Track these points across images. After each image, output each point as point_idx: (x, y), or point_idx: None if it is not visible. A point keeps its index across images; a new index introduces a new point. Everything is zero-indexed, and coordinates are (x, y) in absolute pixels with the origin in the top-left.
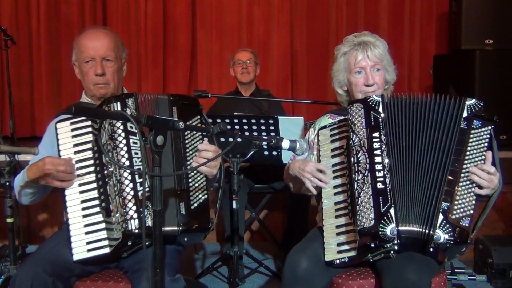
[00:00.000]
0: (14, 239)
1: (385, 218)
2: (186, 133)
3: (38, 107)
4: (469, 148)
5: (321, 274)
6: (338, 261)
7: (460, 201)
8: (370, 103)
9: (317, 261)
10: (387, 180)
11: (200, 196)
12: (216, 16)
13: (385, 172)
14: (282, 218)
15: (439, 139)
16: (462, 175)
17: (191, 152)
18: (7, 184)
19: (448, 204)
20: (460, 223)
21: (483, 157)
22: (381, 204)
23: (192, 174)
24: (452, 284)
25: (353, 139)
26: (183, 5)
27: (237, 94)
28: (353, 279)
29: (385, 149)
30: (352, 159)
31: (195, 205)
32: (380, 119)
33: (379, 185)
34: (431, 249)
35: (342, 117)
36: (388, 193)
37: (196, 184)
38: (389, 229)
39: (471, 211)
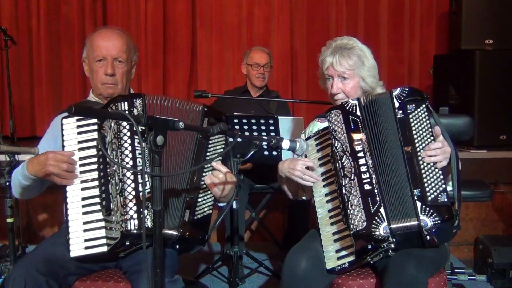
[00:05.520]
0: (14, 239)
1: (376, 218)
2: (210, 145)
3: (38, 107)
4: (414, 132)
5: (321, 274)
6: (339, 268)
7: (429, 182)
8: (348, 108)
9: (316, 262)
10: (374, 180)
11: (206, 210)
12: (216, 16)
13: (370, 173)
14: (282, 218)
15: (391, 133)
16: (419, 158)
17: (209, 165)
18: (7, 184)
19: (419, 190)
20: (439, 200)
21: (431, 133)
22: (371, 205)
23: (205, 187)
24: (452, 284)
25: (336, 145)
26: (183, 5)
27: (246, 92)
28: (353, 279)
29: (367, 150)
30: (337, 165)
31: (199, 216)
32: (359, 122)
33: (366, 186)
34: (428, 238)
35: (326, 125)
36: (376, 193)
37: (206, 198)
38: (382, 228)
39: (443, 186)
